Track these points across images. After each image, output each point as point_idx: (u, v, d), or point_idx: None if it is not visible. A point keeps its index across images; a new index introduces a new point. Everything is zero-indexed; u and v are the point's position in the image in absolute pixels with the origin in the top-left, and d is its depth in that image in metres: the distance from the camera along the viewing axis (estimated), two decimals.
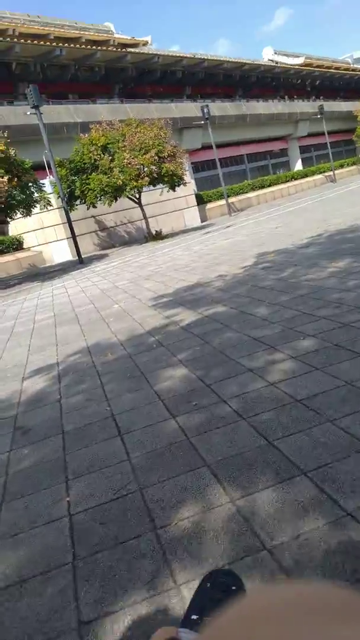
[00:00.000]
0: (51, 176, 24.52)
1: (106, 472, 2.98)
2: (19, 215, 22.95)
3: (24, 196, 18.67)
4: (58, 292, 12.81)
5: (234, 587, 0.65)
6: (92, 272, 16.16)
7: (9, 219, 18.51)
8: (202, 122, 33.37)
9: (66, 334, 7.26)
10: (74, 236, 22.07)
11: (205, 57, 43.96)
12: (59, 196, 23.76)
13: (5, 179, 16.31)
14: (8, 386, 5.31)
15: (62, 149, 27.68)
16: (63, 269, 21.05)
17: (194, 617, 0.56)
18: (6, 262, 26.33)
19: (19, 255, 27.17)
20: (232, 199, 35.74)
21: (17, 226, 27.80)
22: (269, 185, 41.22)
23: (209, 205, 35.00)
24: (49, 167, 23.81)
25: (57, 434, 3.73)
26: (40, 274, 21.33)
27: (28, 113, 22.70)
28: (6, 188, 16.23)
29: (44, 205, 20.04)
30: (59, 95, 35.61)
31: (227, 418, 3.27)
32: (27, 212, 19.60)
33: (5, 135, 18.35)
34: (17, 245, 27.91)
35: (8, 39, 31.40)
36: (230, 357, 4.47)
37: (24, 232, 27.87)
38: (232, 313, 6.05)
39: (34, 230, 27.39)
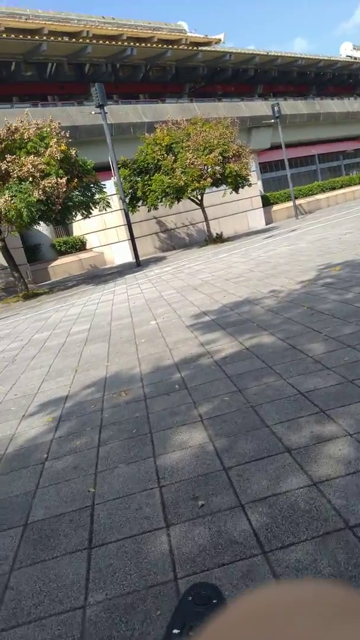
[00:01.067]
0: (115, 177, 24.01)
1: (46, 626, 1.94)
2: (79, 217, 22.69)
3: (83, 198, 18.12)
4: (104, 299, 12.01)
5: (215, 601, 0.61)
6: (145, 277, 15.29)
7: (66, 221, 18.05)
8: (272, 121, 31.75)
9: (91, 355, 6.32)
10: (132, 238, 21.39)
11: (279, 54, 42.03)
12: (121, 197, 23.26)
13: (64, 180, 15.77)
14: (1, 428, 4.42)
15: (128, 149, 27.11)
16: (120, 271, 20.41)
17: (176, 631, 0.53)
18: (69, 263, 26.22)
19: (82, 255, 26.98)
20: (299, 201, 33.80)
21: (81, 226, 27.64)
22: (340, 187, 38.78)
23: (275, 207, 33.31)
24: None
25: (17, 526, 2.73)
26: (98, 275, 20.82)
27: (93, 113, 22.28)
28: (64, 189, 15.70)
29: (103, 207, 19.45)
30: (130, 96, 35.25)
31: (242, 546, 2.12)
32: (87, 214, 19.09)
33: (67, 136, 17.86)
34: (80, 245, 27.77)
35: (81, 40, 31.37)
36: (264, 420, 3.29)
37: (87, 233, 27.67)
38: (279, 347, 4.82)
39: (96, 232, 27.10)
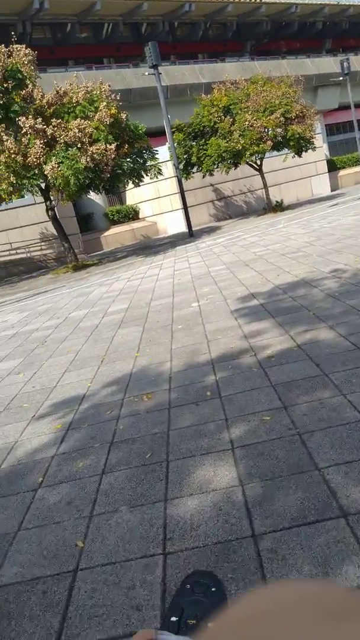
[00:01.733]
0: (169, 142, 22.95)
1: None
2: (130, 185, 21.94)
3: (134, 165, 17.31)
4: (150, 274, 11.32)
5: (213, 589, 0.64)
6: (195, 250, 14.42)
7: (116, 189, 17.35)
8: (341, 78, 29.25)
9: (121, 342, 5.65)
10: (185, 207, 20.45)
11: (351, 4, 38.54)
12: (174, 164, 22.25)
13: (113, 146, 15.00)
14: (6, 431, 3.85)
15: (184, 112, 25.82)
16: (171, 242, 19.62)
17: (174, 619, 0.56)
18: (121, 232, 25.71)
19: (134, 225, 26.38)
20: None
21: (134, 195, 26.94)
22: None
23: (342, 173, 31.07)
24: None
25: None
26: (149, 246, 20.14)
27: (146, 74, 21.17)
28: (113, 156, 14.95)
29: (155, 174, 18.56)
30: (188, 56, 33.60)
31: None
32: (137, 182, 18.29)
33: (118, 99, 16.97)
34: (133, 214, 27.15)
35: None
36: (314, 458, 2.47)
37: (140, 202, 26.95)
38: (340, 346, 3.91)
39: (149, 200, 26.33)
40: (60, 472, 2.97)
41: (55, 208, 20.06)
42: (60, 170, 13.52)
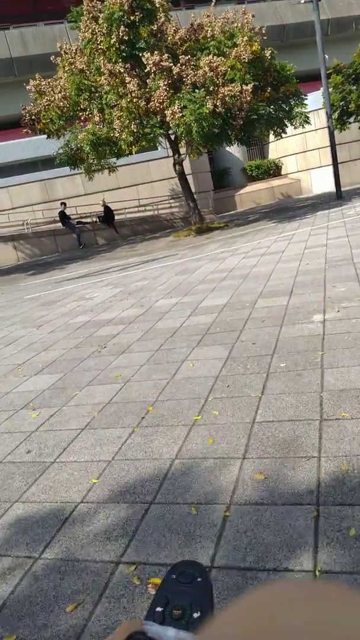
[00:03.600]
0: (323, 87, 19.27)
1: None
2: (272, 137, 18.93)
3: (275, 112, 14.43)
4: (274, 250, 8.89)
5: (199, 579, 0.59)
6: (340, 218, 11.44)
7: (250, 139, 14.66)
8: None
9: (185, 380, 3.60)
10: (335, 163, 16.99)
11: None
12: (327, 112, 18.64)
13: (250, 87, 12.36)
14: None
15: (346, 52, 21.59)
16: (313, 204, 16.53)
17: (159, 609, 0.53)
18: (259, 190, 22.97)
19: (274, 182, 23.37)
20: None
21: (277, 148, 23.78)
22: None
23: None
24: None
25: None
26: (286, 209, 17.29)
27: (302, 1, 17.53)
28: (248, 99, 12.34)
29: (300, 124, 15.43)
30: None
31: None
32: (279, 132, 15.38)
33: (263, 32, 14.03)
34: (274, 170, 24.07)
35: None
36: None
37: (284, 156, 23.70)
38: None
39: (294, 154, 22.97)
40: None
41: (184, 162, 18.21)
42: (182, 117, 11.39)
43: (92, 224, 18.20)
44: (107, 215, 17.90)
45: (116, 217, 18.56)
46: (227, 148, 22.82)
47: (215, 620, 0.33)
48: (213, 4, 13.72)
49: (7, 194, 18.17)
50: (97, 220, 18.17)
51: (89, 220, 18.27)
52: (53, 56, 14.43)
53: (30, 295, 9.37)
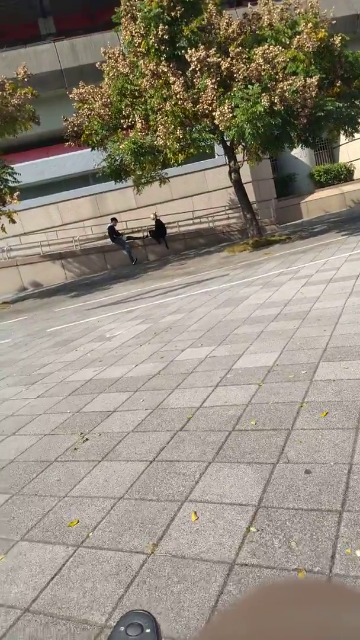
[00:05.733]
0: None
1: None
2: (343, 139, 16.73)
3: (347, 109, 12.37)
4: (344, 274, 6.99)
5: (148, 630, 0.61)
6: None
7: (316, 141, 12.66)
8: None
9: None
10: None
11: None
12: None
13: (315, 79, 10.48)
14: None
15: None
16: None
17: None
18: (327, 197, 20.72)
19: (345, 188, 21.01)
20: None
21: (349, 150, 21.43)
22: None
23: None
24: None
25: None
26: (358, 218, 15.05)
27: None
28: (314, 93, 10.45)
29: None
30: None
31: None
32: (351, 131, 13.27)
33: (330, 18, 12.08)
34: (345, 175, 21.70)
35: None
36: None
37: (357, 159, 21.28)
38: None
39: None
40: None
41: (244, 170, 16.49)
42: (233, 117, 9.71)
43: (143, 239, 16.91)
44: (159, 229, 16.55)
45: (169, 231, 17.17)
46: (292, 152, 20.81)
47: (215, 621, 0.31)
48: None
49: (56, 210, 17.35)
50: (148, 235, 16.86)
51: (139, 235, 17.01)
52: (98, 62, 13.35)
53: (53, 328, 8.07)
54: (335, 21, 12.95)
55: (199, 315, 6.40)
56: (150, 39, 10.81)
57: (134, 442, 3.07)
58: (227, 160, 13.60)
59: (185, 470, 2.59)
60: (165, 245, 16.81)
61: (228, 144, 12.82)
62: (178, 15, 10.54)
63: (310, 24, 11.40)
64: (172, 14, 10.53)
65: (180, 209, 18.04)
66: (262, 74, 10.01)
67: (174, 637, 1.59)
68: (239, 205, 15.72)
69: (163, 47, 11.00)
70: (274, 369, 3.76)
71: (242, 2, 20.73)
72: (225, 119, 9.69)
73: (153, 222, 16.46)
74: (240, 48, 10.39)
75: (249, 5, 12.60)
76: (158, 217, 16.47)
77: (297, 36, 11.06)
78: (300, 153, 21.02)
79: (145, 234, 17.00)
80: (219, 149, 14.08)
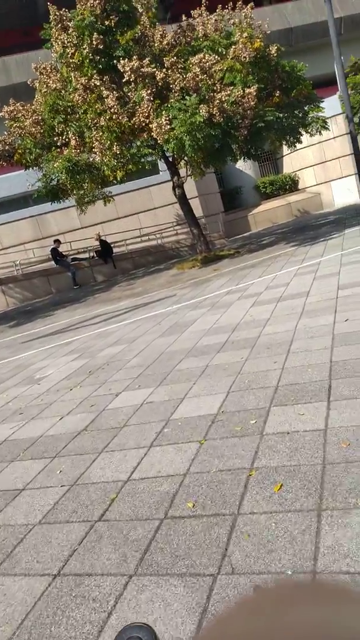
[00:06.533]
0: (340, 89, 17.00)
1: None
2: (286, 149, 16.66)
3: (287, 119, 12.15)
4: (294, 290, 6.52)
5: None
6: None
7: (258, 152, 12.35)
8: None
9: None
10: (359, 171, 14.56)
11: None
12: (347, 116, 16.34)
13: (253, 89, 10.17)
14: None
15: None
16: (338, 220, 14.10)
17: None
18: (274, 208, 20.63)
19: (291, 198, 21.00)
20: None
21: (292, 161, 21.50)
22: None
23: None
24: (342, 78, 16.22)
25: None
26: (307, 227, 14.89)
27: None
28: (253, 103, 10.13)
29: (317, 130, 13.15)
30: None
31: None
32: (293, 141, 13.08)
33: (266, 29, 11.91)
34: (290, 185, 21.72)
35: None
36: None
37: (300, 169, 21.35)
38: None
39: (312, 166, 20.60)
40: None
41: (190, 184, 16.09)
42: (171, 129, 9.21)
43: (89, 260, 16.14)
44: (104, 249, 15.83)
45: (116, 250, 16.48)
46: (237, 165, 20.69)
47: (215, 621, 0.31)
48: (204, 1, 11.64)
49: None
50: (94, 255, 16.11)
51: (85, 255, 16.24)
52: (30, 79, 12.64)
53: None
54: (269, 31, 12.85)
55: (141, 346, 5.73)
56: (84, 48, 10.20)
57: (39, 541, 2.35)
58: (171, 176, 13.11)
59: (96, 592, 1.90)
60: (113, 265, 16.10)
61: (170, 159, 12.35)
62: (112, 24, 10.01)
63: (245, 34, 11.14)
64: (107, 22, 9.99)
65: (127, 227, 17.40)
66: (200, 84, 9.58)
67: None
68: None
69: (98, 58, 10.42)
70: (219, 419, 3.13)
71: (178, 18, 20.60)
72: (163, 131, 9.17)
73: (97, 243, 15.73)
74: (175, 58, 9.93)
75: (183, 17, 12.25)
76: (102, 237, 15.77)
77: (233, 46, 10.77)
78: (244, 165, 20.92)
79: (91, 254, 16.24)
80: (162, 165, 13.62)
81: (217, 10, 11.68)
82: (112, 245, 16.11)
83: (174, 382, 4.09)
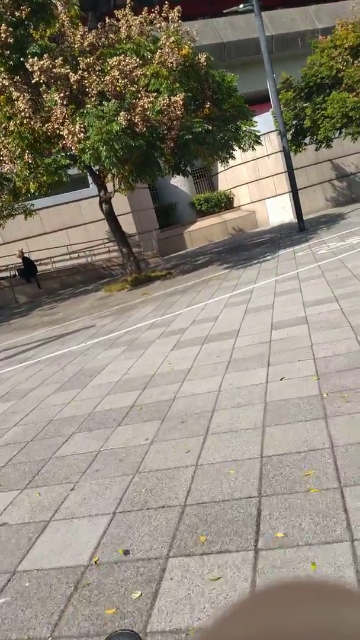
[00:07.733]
0: (273, 105, 16.51)
1: None
2: (219, 166, 15.91)
3: (217, 133, 11.29)
4: (221, 330, 5.48)
5: None
6: (313, 260, 8.21)
7: (185, 167, 11.40)
8: None
9: None
10: (293, 189, 14.00)
11: None
12: (280, 132, 15.87)
13: (179, 97, 9.19)
14: None
15: (293, 70, 19.14)
16: (272, 240, 13.43)
17: None
18: (210, 226, 19.87)
19: (227, 216, 20.35)
20: None
21: (227, 178, 20.89)
22: None
23: None
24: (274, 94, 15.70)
25: None
26: (242, 247, 14.12)
27: (241, 7, 14.77)
28: (180, 112, 9.15)
29: (250, 145, 12.42)
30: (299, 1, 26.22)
31: None
32: (225, 157, 12.26)
33: (194, 36, 11.07)
34: (225, 203, 21.08)
35: None
36: None
37: (235, 186, 20.78)
38: None
39: (246, 183, 20.07)
40: None
41: (124, 199, 14.96)
42: (86, 138, 8.02)
43: (10, 279, 14.53)
44: (28, 267, 14.29)
45: (41, 268, 14.98)
46: (172, 181, 19.79)
47: (216, 622, 0.30)
48: (129, 2, 10.61)
49: None
50: (16, 274, 14.52)
51: (6, 274, 14.62)
52: None
53: None
54: (200, 44, 12.05)
55: (29, 405, 4.43)
56: None
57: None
58: (98, 190, 11.89)
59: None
60: (37, 285, 14.58)
61: (96, 171, 11.14)
62: (24, 16, 8.71)
63: (172, 38, 10.21)
64: (17, 14, 8.68)
65: (54, 243, 15.94)
66: (123, 90, 8.48)
67: None
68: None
69: (8, 53, 9.06)
70: (85, 582, 1.93)
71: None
72: (77, 139, 7.96)
73: (20, 260, 14.18)
74: (92, 59, 8.77)
75: (107, 19, 11.16)
76: (25, 255, 14.24)
77: (159, 50, 9.79)
78: (180, 182, 20.05)
79: (13, 272, 14.64)
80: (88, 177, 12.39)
81: (143, 13, 10.68)
82: (36, 264, 14.59)
83: (47, 482, 2.85)
